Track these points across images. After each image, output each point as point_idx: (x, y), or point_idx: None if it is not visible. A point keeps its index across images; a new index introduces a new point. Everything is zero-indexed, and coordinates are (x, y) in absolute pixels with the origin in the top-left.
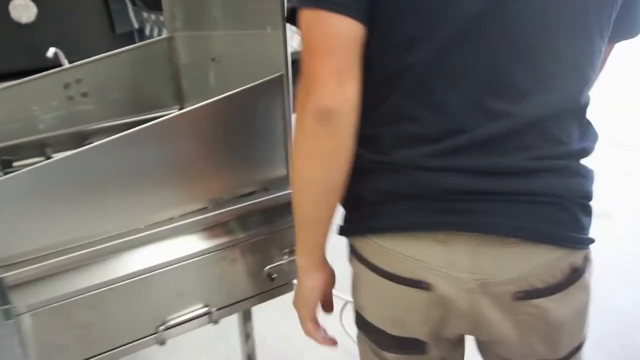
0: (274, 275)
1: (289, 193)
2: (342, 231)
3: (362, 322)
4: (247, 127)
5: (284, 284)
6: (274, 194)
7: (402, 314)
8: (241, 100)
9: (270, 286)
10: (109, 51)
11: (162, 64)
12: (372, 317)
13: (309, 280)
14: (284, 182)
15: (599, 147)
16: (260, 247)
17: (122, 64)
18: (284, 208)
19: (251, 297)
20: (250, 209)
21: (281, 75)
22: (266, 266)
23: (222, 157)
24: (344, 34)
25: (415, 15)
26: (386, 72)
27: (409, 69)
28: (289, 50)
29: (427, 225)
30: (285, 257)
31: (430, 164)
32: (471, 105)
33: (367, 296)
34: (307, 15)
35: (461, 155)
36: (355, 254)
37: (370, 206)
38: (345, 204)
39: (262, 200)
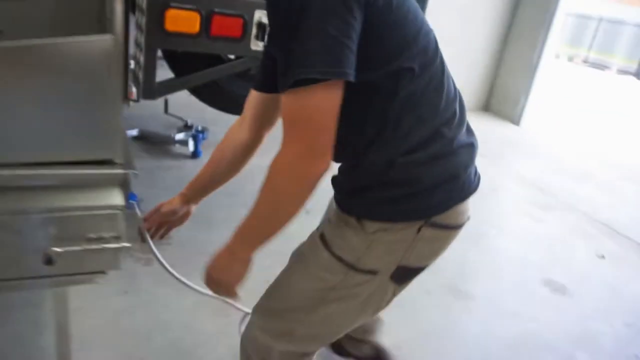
0: (55, 260)
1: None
2: (409, 216)
3: (404, 272)
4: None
5: (70, 274)
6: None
7: (442, 250)
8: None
9: (49, 272)
10: None
11: None
12: (421, 262)
13: (245, 268)
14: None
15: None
16: (47, 226)
17: None
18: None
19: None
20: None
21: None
22: (50, 248)
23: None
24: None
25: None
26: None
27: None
28: None
29: (471, 191)
30: (80, 245)
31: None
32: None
33: (425, 249)
34: (323, 89)
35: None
36: (430, 224)
37: (439, 189)
38: (419, 199)
39: (66, 175)
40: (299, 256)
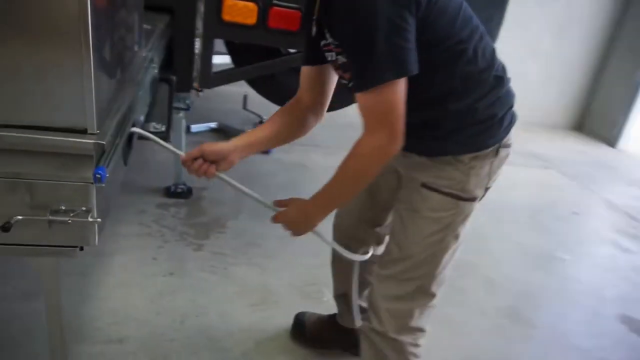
0: (11, 227)
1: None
2: (484, 147)
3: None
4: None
5: (32, 245)
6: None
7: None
8: None
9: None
10: None
11: None
12: (490, 183)
13: (310, 230)
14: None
15: None
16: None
17: None
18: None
19: None
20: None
21: None
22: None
23: None
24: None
25: None
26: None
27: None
28: None
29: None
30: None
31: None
32: None
33: (498, 167)
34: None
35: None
36: (503, 145)
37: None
38: (490, 131)
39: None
40: (406, 216)
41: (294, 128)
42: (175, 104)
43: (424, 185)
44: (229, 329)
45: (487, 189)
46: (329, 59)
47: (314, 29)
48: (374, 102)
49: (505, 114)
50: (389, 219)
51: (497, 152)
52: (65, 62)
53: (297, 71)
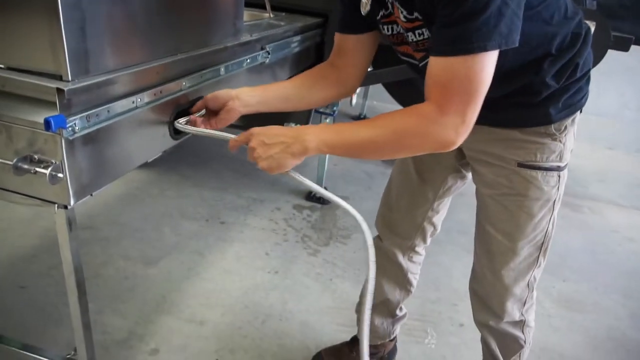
0: None
1: None
2: (579, 107)
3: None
4: None
5: None
6: None
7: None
8: None
9: None
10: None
11: None
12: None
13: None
14: None
15: None
16: None
17: None
18: None
19: None
20: None
21: None
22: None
23: None
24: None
25: None
26: None
27: None
28: None
29: None
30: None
31: None
32: None
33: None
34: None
35: None
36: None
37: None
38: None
39: None
40: (510, 202)
41: (319, 94)
42: (321, 109)
43: (522, 165)
44: (305, 342)
45: (571, 150)
46: (388, 32)
47: (367, 5)
48: (455, 73)
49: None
50: (441, 205)
51: (581, 109)
52: (35, 7)
53: None
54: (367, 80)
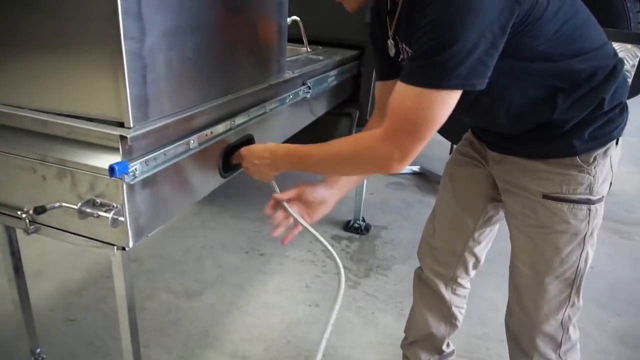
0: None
1: None
2: (610, 139)
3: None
4: None
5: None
6: None
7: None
8: None
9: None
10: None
11: None
12: (612, 178)
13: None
14: None
15: None
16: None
17: None
18: None
19: None
20: None
21: None
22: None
23: None
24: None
25: None
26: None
27: None
28: None
29: None
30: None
31: None
32: None
33: (615, 161)
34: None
35: None
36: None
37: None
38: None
39: None
40: (536, 234)
41: None
42: None
43: (547, 197)
44: None
45: (611, 183)
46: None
47: (392, 48)
48: (407, 102)
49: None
50: (482, 235)
51: (617, 141)
52: (101, 63)
53: None
54: None
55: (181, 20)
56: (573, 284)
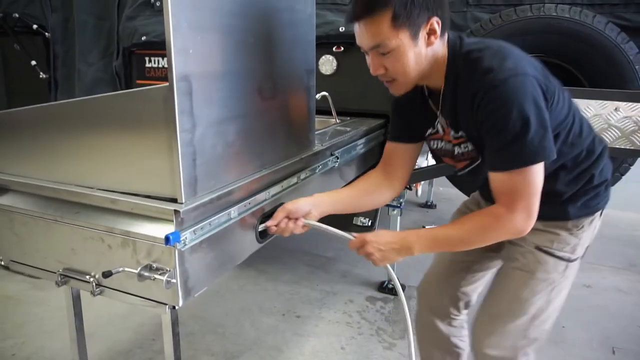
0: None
1: None
2: (597, 209)
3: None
4: None
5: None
6: None
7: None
8: None
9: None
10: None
11: None
12: (589, 243)
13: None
14: None
15: None
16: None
17: None
18: None
19: None
20: None
21: None
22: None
23: None
24: None
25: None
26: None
27: None
28: None
29: None
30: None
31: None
32: None
33: (595, 229)
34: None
35: None
36: (598, 215)
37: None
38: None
39: None
40: (519, 276)
41: (376, 199)
42: (389, 202)
43: (538, 248)
44: None
45: (587, 247)
46: (434, 146)
47: (438, 127)
48: (516, 182)
49: (609, 178)
50: (475, 277)
51: (601, 213)
52: (160, 150)
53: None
54: (415, 178)
55: (224, 113)
56: (535, 321)
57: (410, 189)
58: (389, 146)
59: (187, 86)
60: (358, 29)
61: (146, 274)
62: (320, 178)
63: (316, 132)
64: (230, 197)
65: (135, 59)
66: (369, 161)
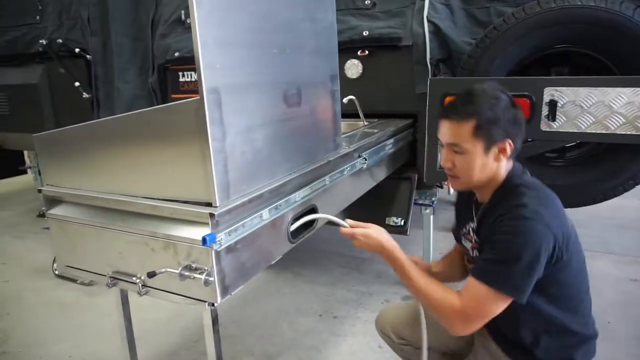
0: (154, 274)
1: None
2: None
3: None
4: None
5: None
6: None
7: None
8: None
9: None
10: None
11: None
12: None
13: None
14: None
15: None
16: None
17: None
18: None
19: None
20: None
21: None
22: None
23: None
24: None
25: None
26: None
27: None
28: None
29: None
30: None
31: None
32: None
33: None
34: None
35: None
36: None
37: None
38: None
39: None
40: None
41: (451, 277)
42: (421, 201)
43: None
44: None
45: None
46: (462, 243)
47: (470, 231)
48: (481, 295)
49: None
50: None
51: None
52: (194, 158)
53: (531, 161)
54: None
55: (251, 121)
56: None
57: (441, 187)
58: (455, 248)
59: (216, 98)
60: (443, 124)
61: (186, 273)
62: (349, 179)
63: (344, 135)
64: (261, 200)
65: (170, 75)
66: (398, 161)
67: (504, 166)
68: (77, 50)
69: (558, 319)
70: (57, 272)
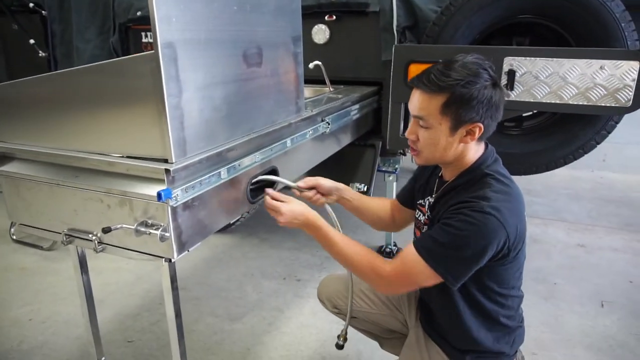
0: (109, 230)
1: None
2: None
3: None
4: None
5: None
6: None
7: None
8: None
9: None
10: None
11: None
12: None
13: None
14: None
15: None
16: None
17: None
18: None
19: None
20: None
21: None
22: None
23: None
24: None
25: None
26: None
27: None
28: None
29: None
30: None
31: None
32: None
33: None
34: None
35: None
36: None
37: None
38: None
39: None
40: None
41: (375, 217)
42: (385, 168)
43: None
44: None
45: None
46: (416, 215)
47: (426, 202)
48: (414, 265)
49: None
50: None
51: None
52: (150, 114)
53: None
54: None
55: (209, 78)
56: None
57: (404, 154)
58: (394, 203)
59: (172, 53)
60: (414, 94)
61: (142, 229)
62: (312, 143)
63: (309, 99)
64: (219, 159)
65: (132, 35)
66: (363, 128)
67: (473, 148)
68: (31, 5)
69: (486, 308)
70: (14, 237)
